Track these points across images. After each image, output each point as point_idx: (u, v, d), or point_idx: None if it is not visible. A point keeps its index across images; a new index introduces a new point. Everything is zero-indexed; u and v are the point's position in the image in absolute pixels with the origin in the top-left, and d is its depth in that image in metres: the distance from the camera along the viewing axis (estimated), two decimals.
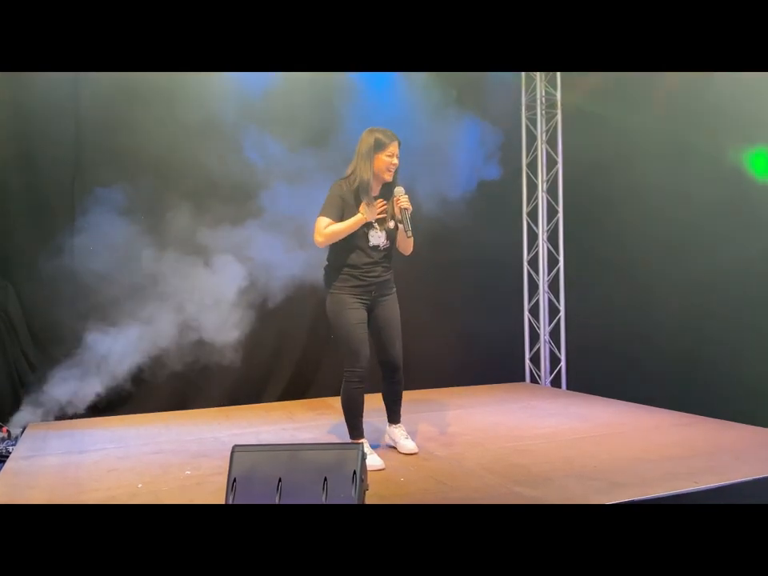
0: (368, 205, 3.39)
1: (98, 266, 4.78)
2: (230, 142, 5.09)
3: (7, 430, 4.40)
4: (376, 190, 3.50)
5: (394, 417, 3.78)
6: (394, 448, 3.77)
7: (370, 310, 3.54)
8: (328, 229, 3.36)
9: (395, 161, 3.43)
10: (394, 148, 3.41)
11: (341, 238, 3.40)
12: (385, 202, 3.44)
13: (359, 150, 3.44)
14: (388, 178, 3.44)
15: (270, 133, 5.16)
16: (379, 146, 3.39)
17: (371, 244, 3.46)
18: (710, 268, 4.68)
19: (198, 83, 4.97)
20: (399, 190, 3.44)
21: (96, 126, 4.84)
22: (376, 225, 3.46)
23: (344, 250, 3.46)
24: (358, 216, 3.37)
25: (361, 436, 3.57)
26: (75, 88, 4.75)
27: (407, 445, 3.70)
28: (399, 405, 3.76)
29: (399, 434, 3.76)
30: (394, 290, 3.64)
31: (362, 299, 3.48)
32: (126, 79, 4.70)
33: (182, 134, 4.98)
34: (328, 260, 3.57)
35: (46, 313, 4.71)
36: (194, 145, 5.02)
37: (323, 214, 3.39)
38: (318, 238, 3.39)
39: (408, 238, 3.44)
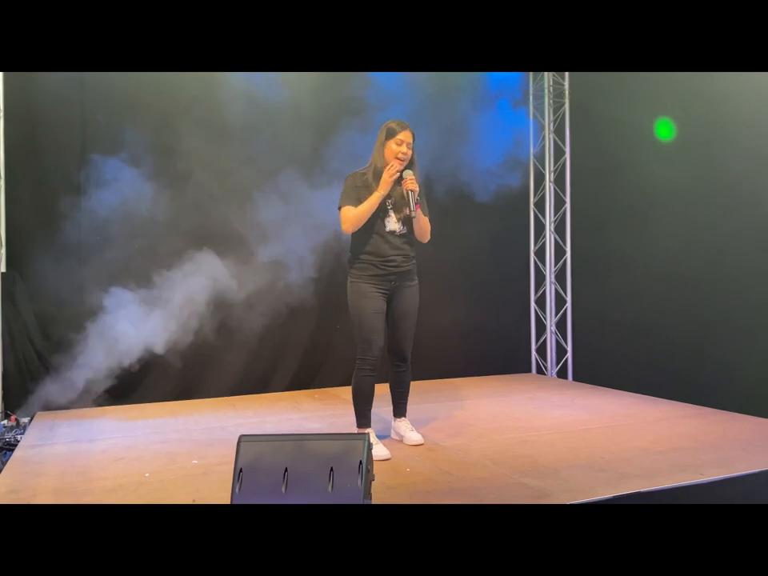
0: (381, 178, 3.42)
1: (105, 256, 4.80)
2: (240, 130, 5.12)
3: (15, 419, 4.42)
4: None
5: (399, 410, 3.79)
6: (401, 441, 3.77)
7: (389, 300, 3.58)
8: (351, 213, 3.45)
9: (404, 149, 3.45)
10: (403, 136, 3.45)
11: (365, 218, 3.45)
12: (398, 169, 3.43)
13: (377, 140, 3.54)
14: (398, 166, 3.46)
15: (284, 124, 5.23)
16: (390, 134, 3.47)
17: (388, 229, 3.52)
18: (717, 260, 4.66)
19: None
20: (407, 173, 3.47)
21: (102, 113, 4.83)
22: (392, 211, 3.52)
23: (363, 237, 3.53)
24: (375, 193, 3.43)
25: (368, 425, 3.59)
26: (81, 76, 4.74)
27: (413, 437, 3.71)
28: (405, 397, 3.77)
29: (404, 427, 3.76)
30: (416, 281, 3.67)
31: (380, 288, 3.52)
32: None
33: (187, 118, 4.99)
34: (350, 249, 3.63)
35: (53, 302, 4.72)
36: (201, 131, 5.03)
37: (343, 204, 3.51)
38: (345, 226, 3.50)
39: (412, 217, 3.46)
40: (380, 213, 3.50)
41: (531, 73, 6.20)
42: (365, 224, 3.49)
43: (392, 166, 3.42)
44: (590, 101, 5.74)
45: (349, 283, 3.58)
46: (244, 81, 5.03)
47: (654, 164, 5.12)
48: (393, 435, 3.83)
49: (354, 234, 3.58)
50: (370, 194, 3.46)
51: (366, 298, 3.49)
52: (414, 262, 3.64)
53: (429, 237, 3.64)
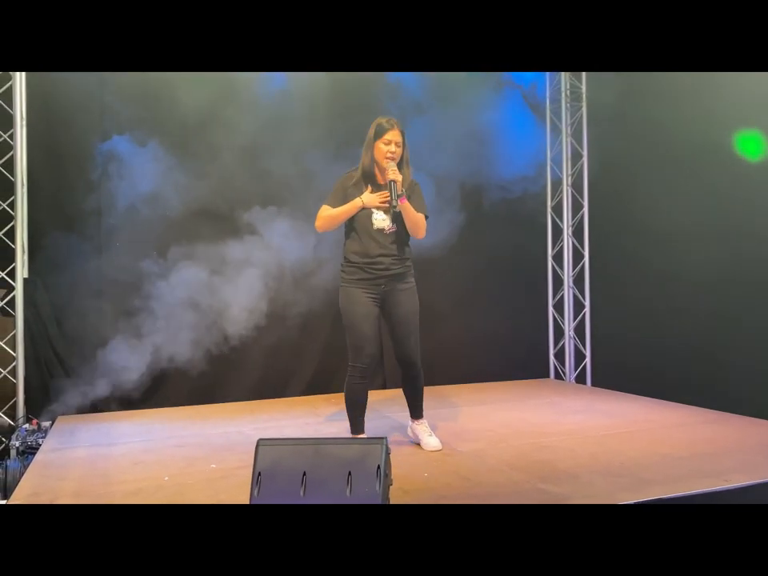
0: (372, 192, 3.38)
1: (125, 261, 4.84)
2: (254, 134, 5.15)
3: (37, 423, 4.47)
4: (382, 178, 3.46)
5: (415, 412, 3.74)
6: (418, 444, 3.75)
7: (382, 305, 3.50)
8: (325, 212, 3.43)
9: (392, 148, 3.37)
10: (391, 135, 3.37)
11: (338, 221, 3.45)
12: (389, 193, 3.34)
13: (366, 137, 3.46)
14: (386, 166, 3.38)
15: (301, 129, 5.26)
16: (378, 133, 3.39)
17: (375, 227, 3.44)
18: (737, 264, 4.61)
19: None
20: (391, 164, 3.36)
21: (122, 117, 4.86)
22: (379, 209, 3.44)
23: (352, 236, 3.48)
24: (356, 200, 3.40)
25: (360, 432, 3.56)
26: (101, 80, 4.79)
27: (431, 442, 3.66)
28: (420, 400, 3.70)
29: (422, 431, 3.71)
30: (411, 283, 3.55)
31: (370, 293, 3.45)
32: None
33: (212, 120, 5.04)
34: (343, 252, 3.56)
35: (74, 307, 4.77)
36: (217, 131, 5.07)
37: (325, 202, 3.47)
38: (317, 222, 3.47)
39: (395, 210, 3.35)
40: (367, 210, 3.42)
41: (548, 76, 6.18)
42: (352, 223, 3.44)
43: (383, 194, 3.35)
44: (608, 104, 5.69)
45: (340, 288, 3.52)
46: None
47: (672, 167, 5.08)
48: (409, 436, 3.80)
49: (345, 235, 3.53)
50: (359, 192, 3.42)
51: (356, 304, 3.42)
52: (407, 264, 3.54)
53: (423, 233, 3.51)
